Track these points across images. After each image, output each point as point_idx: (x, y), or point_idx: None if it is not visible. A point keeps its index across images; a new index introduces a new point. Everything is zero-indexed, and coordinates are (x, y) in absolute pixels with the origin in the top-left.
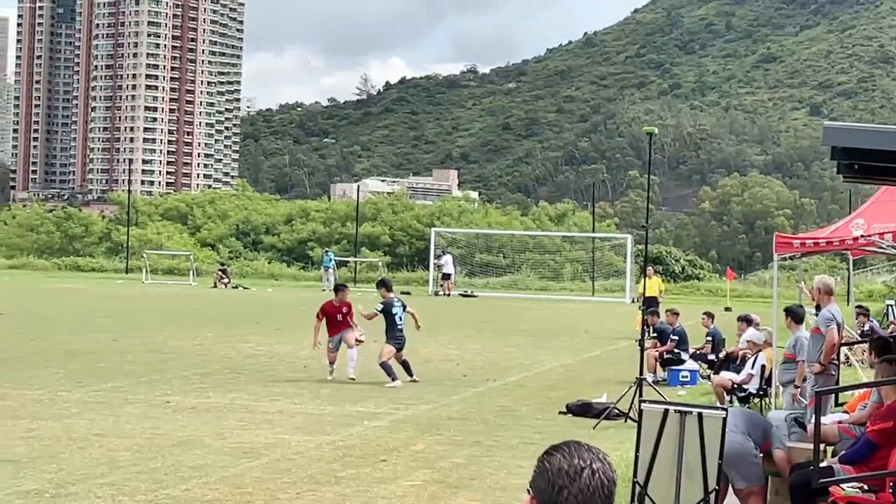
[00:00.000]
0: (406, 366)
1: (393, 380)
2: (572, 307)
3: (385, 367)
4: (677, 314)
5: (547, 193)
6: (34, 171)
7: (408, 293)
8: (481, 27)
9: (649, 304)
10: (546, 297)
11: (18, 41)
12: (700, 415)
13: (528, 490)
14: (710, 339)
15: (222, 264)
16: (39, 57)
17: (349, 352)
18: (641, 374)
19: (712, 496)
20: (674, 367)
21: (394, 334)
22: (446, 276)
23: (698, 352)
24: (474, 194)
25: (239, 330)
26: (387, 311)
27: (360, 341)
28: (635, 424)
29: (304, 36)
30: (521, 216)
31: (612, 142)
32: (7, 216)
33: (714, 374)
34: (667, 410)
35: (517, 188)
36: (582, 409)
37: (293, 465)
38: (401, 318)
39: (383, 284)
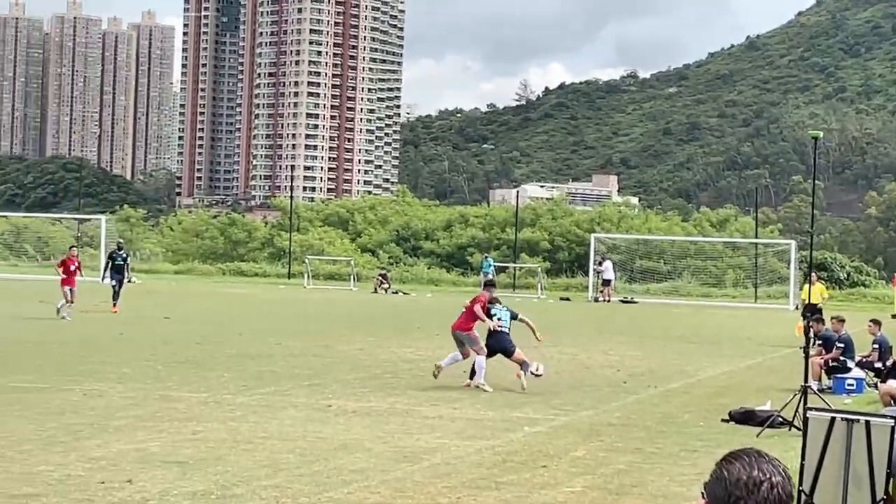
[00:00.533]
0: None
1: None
2: (734, 314)
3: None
4: (843, 321)
5: (708, 199)
6: (199, 178)
7: (567, 299)
8: (643, 32)
9: (812, 310)
10: (707, 303)
11: (184, 50)
12: (868, 423)
13: (702, 493)
14: (876, 346)
15: (382, 269)
16: (204, 65)
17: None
18: (806, 381)
19: None
20: (839, 376)
21: (491, 336)
22: (606, 282)
23: (864, 360)
24: (634, 200)
25: (399, 335)
26: (488, 314)
27: (537, 375)
28: (799, 433)
29: (465, 42)
30: (682, 222)
31: (776, 146)
32: (173, 222)
33: (881, 382)
34: (833, 418)
35: (678, 193)
36: (745, 417)
37: (453, 469)
38: (503, 322)
39: (489, 285)
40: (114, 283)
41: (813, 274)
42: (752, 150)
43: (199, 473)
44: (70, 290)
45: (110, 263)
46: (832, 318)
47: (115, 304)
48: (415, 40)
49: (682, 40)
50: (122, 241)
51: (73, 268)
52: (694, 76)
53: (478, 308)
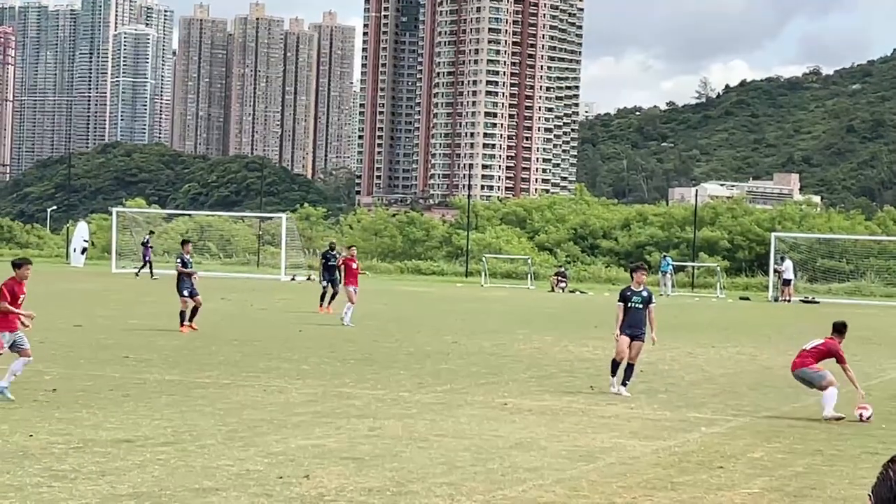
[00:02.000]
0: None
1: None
2: None
3: (613, 365)
4: None
5: (893, 197)
6: (378, 177)
7: (747, 299)
8: (829, 27)
9: None
10: (891, 304)
11: (364, 50)
12: None
13: (869, 496)
14: None
15: (560, 268)
16: (384, 65)
17: None
18: None
19: None
20: None
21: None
22: (787, 282)
23: None
24: (816, 198)
25: (576, 334)
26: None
27: None
28: None
29: (646, 40)
30: (865, 220)
31: None
32: (353, 220)
33: None
34: None
35: (861, 192)
36: None
37: (629, 469)
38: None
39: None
40: (324, 283)
41: None
42: None
43: (375, 470)
44: (354, 289)
45: (324, 263)
46: None
47: (322, 305)
48: (595, 38)
49: (868, 36)
50: (333, 241)
51: (354, 266)
52: (879, 72)
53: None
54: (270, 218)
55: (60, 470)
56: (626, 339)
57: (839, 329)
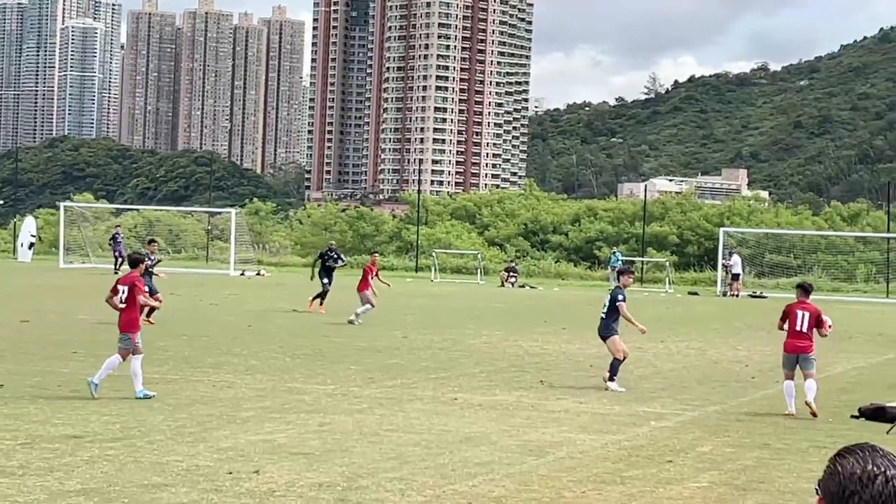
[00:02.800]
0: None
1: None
2: (866, 309)
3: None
4: None
5: (840, 193)
6: (328, 172)
7: (695, 293)
8: (779, 24)
9: None
10: (838, 298)
11: (313, 44)
12: None
13: (816, 490)
14: None
15: (510, 263)
16: (334, 60)
17: None
18: None
19: None
20: None
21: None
22: (735, 277)
23: None
24: (764, 194)
25: (526, 329)
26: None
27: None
28: None
29: (596, 36)
30: (813, 216)
31: None
32: (302, 215)
33: None
34: None
35: (808, 187)
36: (875, 414)
37: (578, 463)
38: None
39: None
40: (325, 281)
41: None
42: (885, 144)
43: (326, 465)
44: (369, 293)
45: (320, 263)
46: None
47: (316, 303)
48: (546, 34)
49: (816, 33)
50: (333, 242)
51: (371, 276)
52: (826, 69)
53: None
54: (219, 213)
55: (8, 466)
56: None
57: (807, 289)
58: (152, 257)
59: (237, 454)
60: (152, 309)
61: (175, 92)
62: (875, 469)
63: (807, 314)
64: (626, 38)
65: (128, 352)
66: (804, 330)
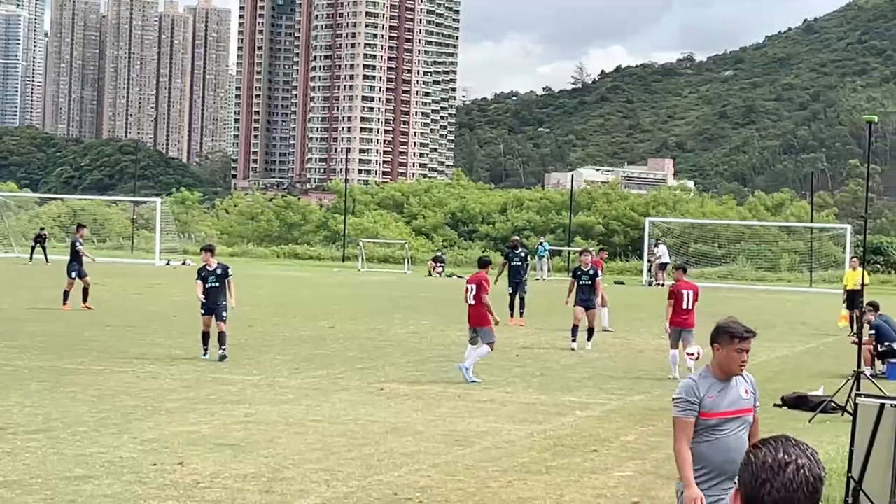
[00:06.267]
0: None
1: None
2: (789, 298)
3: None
4: (874, 307)
5: (764, 182)
6: (255, 161)
7: (621, 283)
8: (709, 15)
9: (852, 297)
10: (762, 287)
11: (240, 32)
12: None
13: (734, 482)
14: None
15: (437, 253)
16: (260, 48)
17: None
18: (859, 367)
19: None
20: (893, 361)
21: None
22: (663, 266)
23: None
24: (690, 183)
25: (453, 318)
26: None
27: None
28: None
29: (525, 25)
30: (738, 206)
31: (832, 130)
32: (228, 204)
33: None
34: (883, 405)
35: (733, 177)
36: (798, 402)
37: (504, 453)
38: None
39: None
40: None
41: (854, 259)
42: (809, 134)
43: (251, 456)
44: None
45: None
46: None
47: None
48: (475, 24)
49: (742, 24)
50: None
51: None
52: (750, 59)
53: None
54: (145, 202)
55: None
56: (580, 309)
57: (685, 269)
58: (80, 241)
59: (161, 445)
60: (87, 294)
61: (100, 80)
62: (786, 457)
63: (691, 293)
64: (557, 27)
65: None
66: (690, 307)
